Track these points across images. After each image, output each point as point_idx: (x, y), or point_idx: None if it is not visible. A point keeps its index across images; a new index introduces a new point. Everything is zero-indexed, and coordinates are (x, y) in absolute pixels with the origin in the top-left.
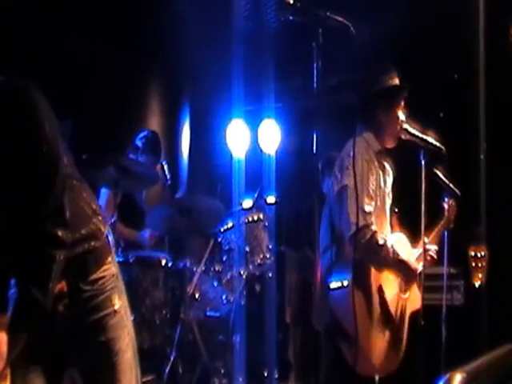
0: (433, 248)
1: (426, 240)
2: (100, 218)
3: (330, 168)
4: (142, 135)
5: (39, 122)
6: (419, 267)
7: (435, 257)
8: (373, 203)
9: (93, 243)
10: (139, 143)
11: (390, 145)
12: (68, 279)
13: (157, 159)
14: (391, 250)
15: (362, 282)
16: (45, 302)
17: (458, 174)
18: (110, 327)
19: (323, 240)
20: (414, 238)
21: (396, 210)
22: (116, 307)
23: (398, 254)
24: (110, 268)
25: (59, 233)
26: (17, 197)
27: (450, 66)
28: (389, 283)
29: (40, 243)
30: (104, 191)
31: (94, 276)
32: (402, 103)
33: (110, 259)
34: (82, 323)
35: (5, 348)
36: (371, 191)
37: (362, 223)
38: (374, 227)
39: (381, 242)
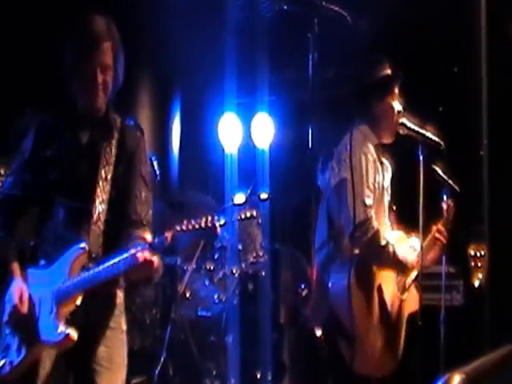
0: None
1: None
2: None
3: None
4: None
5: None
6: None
7: (444, 240)
8: (372, 195)
9: None
10: None
11: (388, 139)
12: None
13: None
14: (392, 252)
15: (362, 280)
16: None
17: (459, 170)
18: (118, 341)
19: (320, 236)
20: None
21: (394, 208)
22: (123, 328)
23: (397, 255)
24: (121, 295)
25: None
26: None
27: (450, 59)
28: (388, 283)
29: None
30: None
31: (118, 292)
32: (396, 92)
33: (120, 287)
34: (103, 323)
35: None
36: (371, 184)
37: (362, 217)
38: (375, 224)
39: (383, 242)
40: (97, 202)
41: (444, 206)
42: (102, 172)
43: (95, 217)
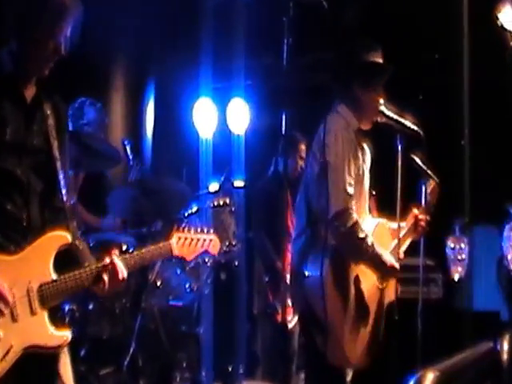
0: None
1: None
2: None
3: (292, 148)
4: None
5: None
6: (396, 264)
7: (426, 227)
8: (353, 184)
9: None
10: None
11: (365, 126)
12: None
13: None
14: (370, 245)
15: (338, 270)
16: None
17: (439, 160)
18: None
19: (298, 224)
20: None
21: (374, 193)
22: None
23: (375, 249)
24: None
25: None
26: None
27: (431, 46)
28: (366, 273)
29: None
30: None
31: None
32: (381, 85)
33: None
34: None
35: None
36: (352, 171)
37: (342, 205)
38: (355, 216)
39: (361, 235)
40: (60, 177)
41: (428, 189)
42: (55, 143)
43: (64, 197)
